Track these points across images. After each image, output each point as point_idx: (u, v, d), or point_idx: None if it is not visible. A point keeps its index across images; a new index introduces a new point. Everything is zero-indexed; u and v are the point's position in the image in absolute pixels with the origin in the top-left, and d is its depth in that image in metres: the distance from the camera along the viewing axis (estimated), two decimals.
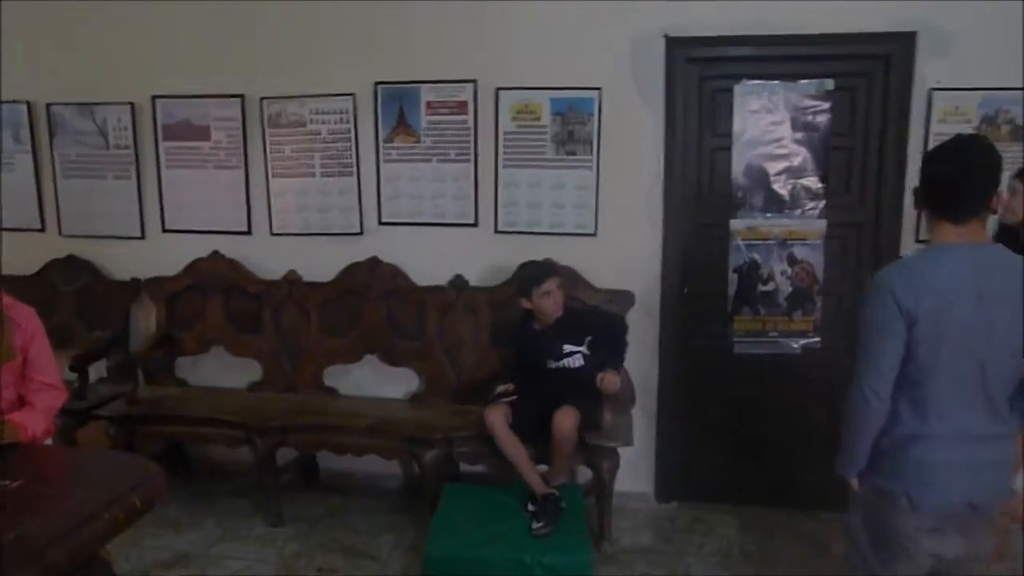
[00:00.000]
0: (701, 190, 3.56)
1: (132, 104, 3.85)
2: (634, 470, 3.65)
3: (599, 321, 3.36)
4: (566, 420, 3.01)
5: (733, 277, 3.54)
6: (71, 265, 3.99)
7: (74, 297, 3.98)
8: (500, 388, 3.29)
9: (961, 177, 1.83)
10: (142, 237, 3.96)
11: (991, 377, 1.83)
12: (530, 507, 3.05)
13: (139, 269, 3.93)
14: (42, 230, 4.05)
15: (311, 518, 3.60)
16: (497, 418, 3.12)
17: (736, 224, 3.50)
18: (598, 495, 3.31)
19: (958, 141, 1.92)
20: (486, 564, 2.78)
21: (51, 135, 3.94)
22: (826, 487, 2.70)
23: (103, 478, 2.04)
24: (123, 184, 3.92)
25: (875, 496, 1.96)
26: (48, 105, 3.92)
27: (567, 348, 3.25)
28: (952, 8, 3.19)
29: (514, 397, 3.21)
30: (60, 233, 4.03)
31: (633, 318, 3.54)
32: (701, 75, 3.46)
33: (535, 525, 2.94)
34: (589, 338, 3.26)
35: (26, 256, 3.94)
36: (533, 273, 3.23)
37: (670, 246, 3.55)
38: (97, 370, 3.78)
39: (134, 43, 3.79)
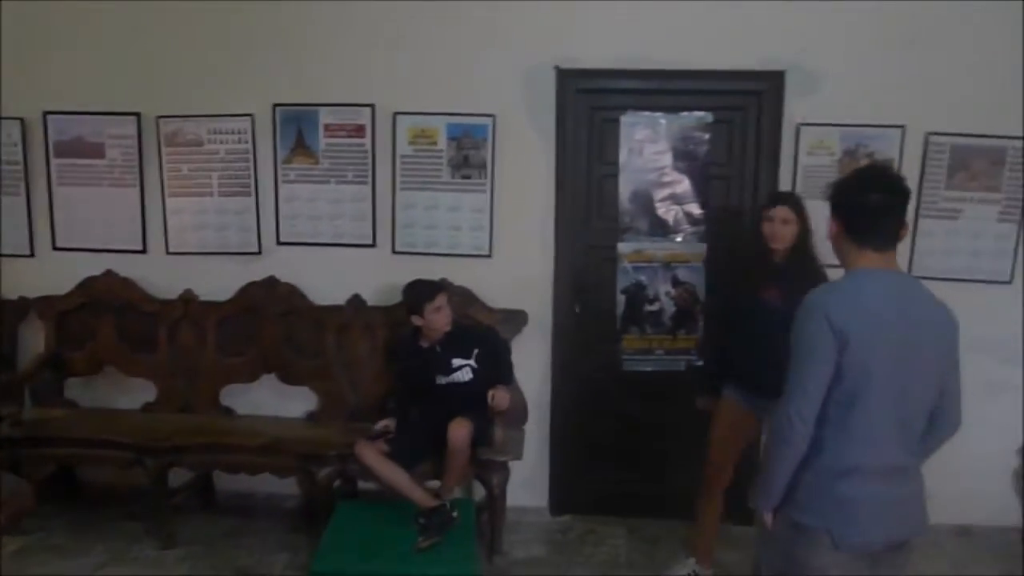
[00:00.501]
0: (591, 214, 3.73)
1: (22, 119, 3.79)
2: (529, 485, 3.78)
3: (484, 336, 3.46)
4: (459, 430, 3.09)
5: (621, 298, 3.72)
6: None
7: None
8: (379, 425, 3.34)
9: (887, 205, 1.87)
10: (31, 255, 3.88)
11: (911, 404, 1.84)
12: (420, 520, 3.12)
13: (28, 287, 3.85)
14: None
15: (205, 540, 3.56)
16: (367, 450, 3.17)
17: (623, 247, 3.68)
18: (490, 509, 3.40)
19: (878, 170, 2.00)
20: None
21: None
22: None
23: None
24: (12, 200, 3.84)
25: (792, 532, 1.90)
26: None
27: (456, 362, 3.33)
28: (817, 50, 3.46)
29: (391, 435, 3.28)
30: None
31: (526, 337, 3.68)
32: (590, 105, 3.64)
33: (419, 540, 3.01)
34: (477, 351, 3.35)
35: None
36: (424, 290, 3.31)
37: (562, 267, 3.70)
38: None
39: (26, 57, 3.74)
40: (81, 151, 3.78)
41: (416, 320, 3.28)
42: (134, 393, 3.85)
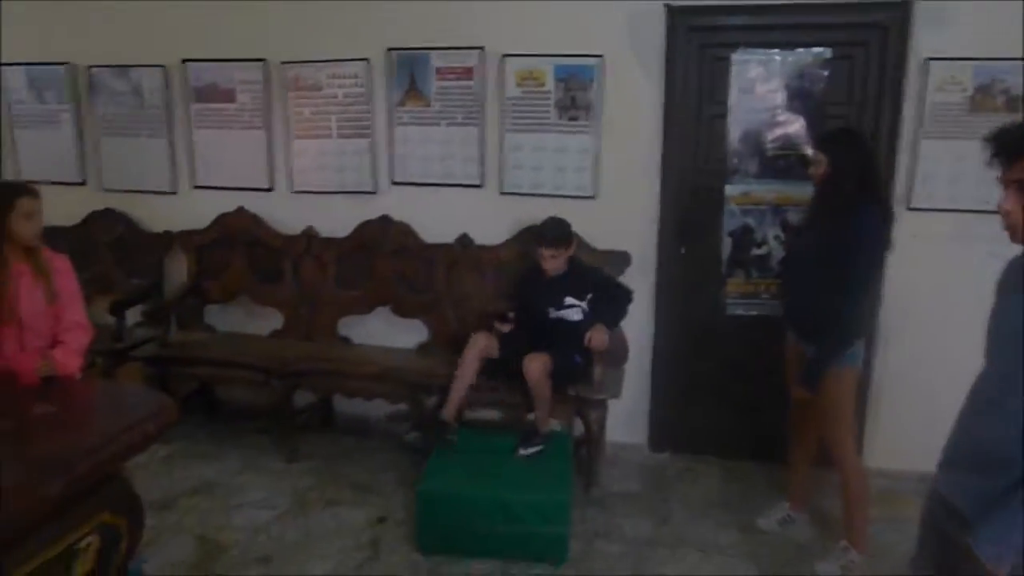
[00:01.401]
0: (698, 156, 3.68)
1: (164, 67, 4.10)
2: (630, 422, 3.87)
3: (605, 284, 3.52)
4: (533, 364, 3.25)
5: (727, 241, 3.67)
6: (109, 217, 4.31)
7: (112, 247, 4.31)
8: (506, 314, 3.52)
9: None
10: (174, 192, 4.25)
11: None
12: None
13: (171, 222, 4.23)
14: (83, 184, 4.37)
15: (325, 456, 3.89)
16: (476, 342, 3.38)
17: (731, 189, 3.61)
18: (588, 443, 3.53)
19: None
20: (472, 500, 3.02)
21: (91, 95, 4.23)
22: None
23: (123, 408, 2.32)
24: (156, 143, 4.20)
25: None
26: (88, 67, 4.19)
27: (568, 300, 3.44)
28: None
29: (510, 327, 3.45)
30: (100, 188, 4.34)
31: (629, 278, 3.71)
32: (700, 43, 3.56)
33: (520, 450, 3.27)
34: (590, 296, 3.45)
35: (68, 208, 4.26)
36: (538, 234, 3.43)
37: (667, 209, 3.69)
38: (133, 315, 4.09)
39: (166, 9, 4.02)
40: (215, 96, 4.06)
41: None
42: (264, 320, 4.19)
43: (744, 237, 3.66)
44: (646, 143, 3.64)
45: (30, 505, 1.72)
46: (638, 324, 3.78)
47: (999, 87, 3.30)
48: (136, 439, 2.11)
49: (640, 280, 3.75)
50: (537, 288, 3.49)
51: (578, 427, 3.63)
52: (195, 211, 4.18)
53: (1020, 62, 3.24)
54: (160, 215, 4.26)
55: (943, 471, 1.83)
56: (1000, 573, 1.58)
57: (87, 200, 4.34)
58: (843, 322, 2.74)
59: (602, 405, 3.47)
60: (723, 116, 3.56)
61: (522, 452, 3.29)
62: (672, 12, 3.49)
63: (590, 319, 3.40)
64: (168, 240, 4.25)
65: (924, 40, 3.30)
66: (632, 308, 3.70)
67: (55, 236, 4.24)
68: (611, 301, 3.48)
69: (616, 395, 3.50)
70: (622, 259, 3.71)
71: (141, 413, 2.21)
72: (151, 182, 4.23)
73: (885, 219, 2.75)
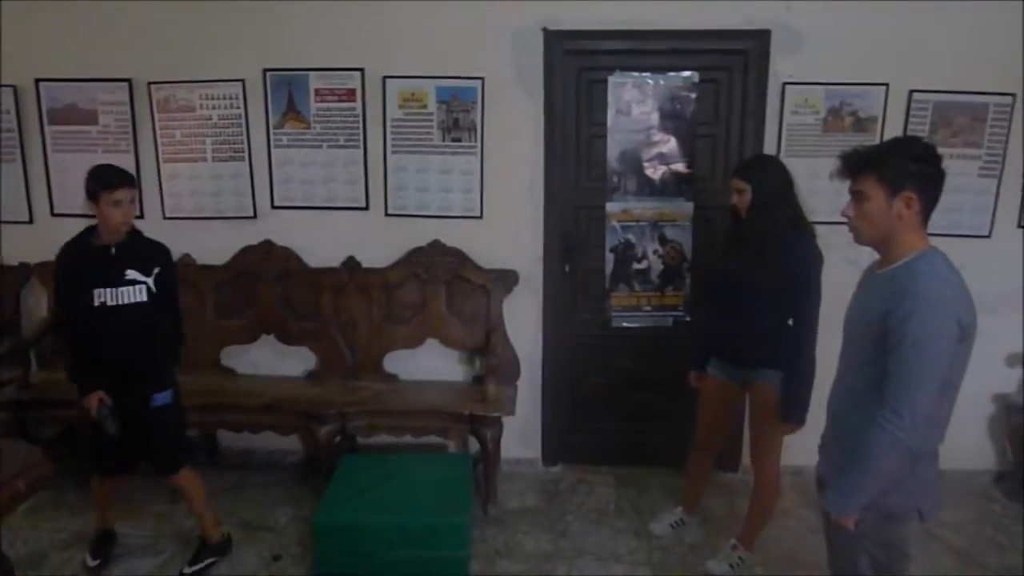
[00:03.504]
0: (579, 175, 3.79)
1: (15, 87, 3.81)
2: (523, 437, 3.92)
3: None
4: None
5: (610, 256, 3.81)
6: None
7: None
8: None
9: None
10: (30, 221, 3.94)
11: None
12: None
13: (28, 253, 3.92)
14: None
15: (210, 494, 3.64)
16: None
17: (612, 207, 3.76)
18: (484, 461, 3.55)
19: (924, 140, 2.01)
20: (370, 528, 2.96)
21: None
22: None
23: None
24: (9, 167, 3.89)
25: (883, 521, 1.94)
26: None
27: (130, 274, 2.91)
28: (802, 8, 3.49)
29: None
30: None
31: (517, 296, 3.78)
32: (578, 66, 3.67)
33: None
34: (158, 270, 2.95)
35: None
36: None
37: (551, 228, 3.78)
38: None
39: (17, 25, 3.74)
40: (75, 118, 3.81)
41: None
42: None
43: (625, 252, 3.82)
44: (529, 163, 3.71)
45: None
46: (528, 340, 3.84)
47: (847, 109, 3.60)
48: (4, 500, 1.95)
49: (528, 297, 3.81)
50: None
51: (473, 445, 3.65)
52: (54, 241, 3.82)
53: (867, 87, 3.54)
54: (15, 246, 3.94)
55: (820, 453, 2.18)
56: (846, 522, 1.92)
57: None
58: (809, 348, 2.76)
59: (497, 423, 3.51)
60: (602, 136, 3.71)
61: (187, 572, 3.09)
62: (550, 36, 3.59)
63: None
64: (25, 272, 3.94)
65: (781, 65, 3.55)
66: (521, 324, 3.80)
67: None
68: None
69: (510, 412, 3.54)
70: (510, 277, 3.77)
71: (9, 470, 2.04)
72: (5, 210, 3.90)
73: (814, 237, 2.81)
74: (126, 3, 3.68)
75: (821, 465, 2.14)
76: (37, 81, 3.79)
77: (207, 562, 3.14)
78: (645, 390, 3.93)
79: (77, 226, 3.79)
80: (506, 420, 3.56)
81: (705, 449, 3.29)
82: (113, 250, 2.87)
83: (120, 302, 2.85)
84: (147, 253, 2.94)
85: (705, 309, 3.20)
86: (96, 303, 2.83)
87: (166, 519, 3.50)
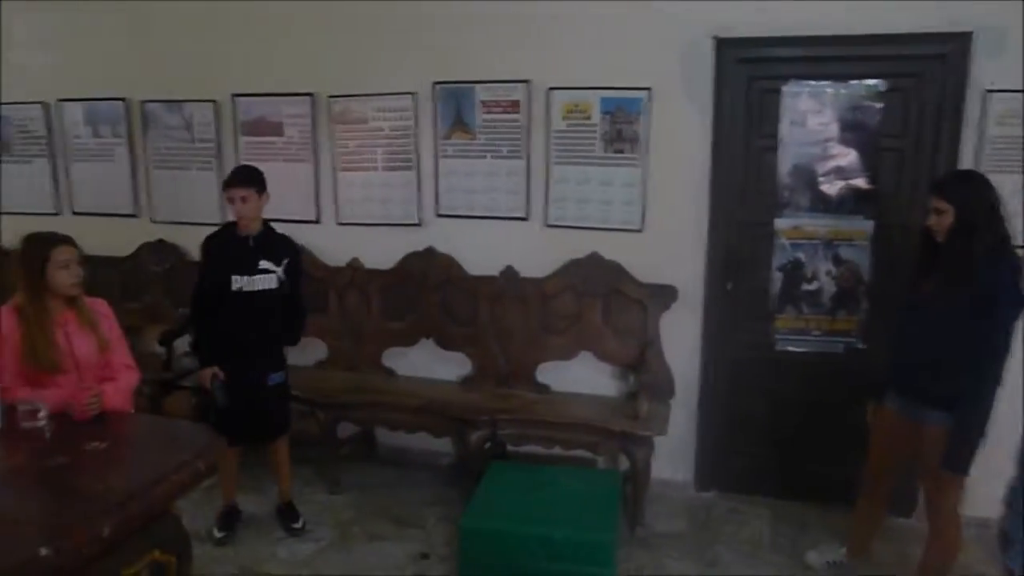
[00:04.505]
0: (747, 189, 3.61)
1: (215, 102, 4.18)
2: (676, 459, 3.79)
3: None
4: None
5: (777, 275, 3.60)
6: (160, 248, 4.39)
7: (162, 278, 4.39)
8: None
9: None
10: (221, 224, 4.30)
11: None
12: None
13: None
14: (135, 216, 4.47)
15: (367, 488, 3.88)
16: None
17: (781, 223, 3.55)
18: (634, 482, 3.46)
19: None
20: (515, 537, 2.97)
21: (144, 129, 4.33)
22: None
23: (174, 446, 2.33)
24: (206, 175, 4.27)
25: None
26: (142, 102, 4.30)
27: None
28: (1009, 7, 3.13)
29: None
30: (152, 219, 4.43)
31: (675, 312, 3.66)
32: (750, 75, 3.50)
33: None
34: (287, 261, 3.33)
35: (120, 240, 4.38)
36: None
37: (714, 243, 3.63)
38: (182, 345, 4.11)
39: (216, 45, 4.12)
40: (263, 130, 4.13)
41: None
42: (309, 350, 4.20)
43: (794, 272, 3.59)
44: (694, 176, 3.59)
45: (81, 545, 1.73)
46: (684, 358, 3.71)
47: None
48: (186, 478, 2.12)
49: (687, 314, 3.68)
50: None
51: (622, 462, 3.58)
52: None
53: None
54: None
55: (1005, 506, 1.94)
56: None
57: (138, 232, 4.43)
58: (987, 391, 2.49)
59: (648, 442, 3.41)
60: (773, 149, 3.51)
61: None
62: (721, 44, 3.45)
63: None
64: None
65: (984, 71, 3.20)
66: (678, 342, 3.68)
67: (107, 267, 4.37)
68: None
69: (662, 432, 3.43)
70: (669, 293, 3.65)
71: (192, 451, 2.22)
72: (201, 214, 4.29)
73: (1018, 271, 2.52)
74: (312, 24, 3.94)
75: (1007, 519, 1.90)
76: (234, 96, 4.14)
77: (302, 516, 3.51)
78: (810, 419, 3.67)
79: None
80: (658, 440, 3.46)
81: (876, 489, 3.02)
82: (251, 241, 3.23)
83: (254, 288, 3.22)
84: (278, 246, 3.33)
85: (892, 337, 2.91)
86: (234, 288, 3.20)
87: (326, 508, 3.70)
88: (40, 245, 2.49)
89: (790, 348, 3.63)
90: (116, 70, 4.33)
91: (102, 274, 4.45)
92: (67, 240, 2.55)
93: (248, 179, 3.21)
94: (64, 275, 2.48)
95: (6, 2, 4.35)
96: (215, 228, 4.15)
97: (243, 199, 3.17)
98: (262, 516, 3.62)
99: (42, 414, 2.27)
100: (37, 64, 4.46)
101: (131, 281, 4.43)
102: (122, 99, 4.34)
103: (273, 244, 3.30)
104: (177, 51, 4.18)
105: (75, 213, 4.60)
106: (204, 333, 3.33)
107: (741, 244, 3.64)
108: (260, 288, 3.24)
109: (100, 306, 2.66)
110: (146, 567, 1.99)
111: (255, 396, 3.31)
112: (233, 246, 3.25)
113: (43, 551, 1.61)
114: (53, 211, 4.61)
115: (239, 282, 3.21)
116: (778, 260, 3.59)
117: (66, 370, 2.49)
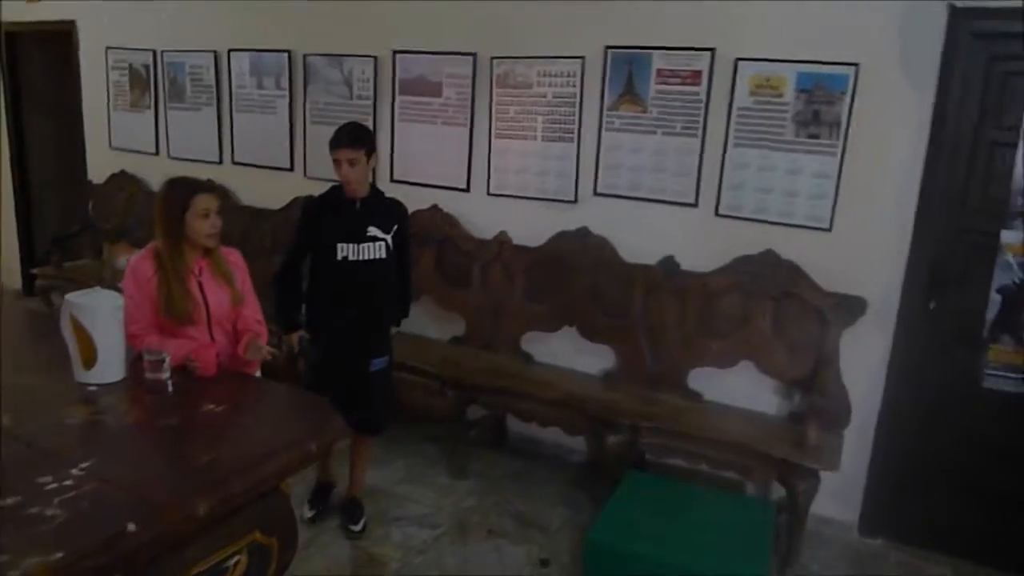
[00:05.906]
0: (970, 191, 3.02)
1: (375, 57, 4.04)
2: (839, 495, 3.29)
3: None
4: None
5: (996, 297, 2.99)
6: None
7: None
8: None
9: None
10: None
11: None
12: None
13: None
14: (291, 170, 4.44)
15: (491, 477, 3.66)
16: None
17: (1010, 236, 2.93)
18: (790, 516, 3.02)
19: None
20: (647, 561, 2.63)
21: (305, 83, 4.27)
22: None
23: (289, 419, 2.17)
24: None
25: None
26: (305, 55, 4.24)
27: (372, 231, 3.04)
28: None
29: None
30: (304, 174, 4.39)
31: (861, 328, 3.15)
32: (991, 54, 2.91)
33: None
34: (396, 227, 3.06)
35: (276, 192, 4.38)
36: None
37: (918, 252, 3.07)
38: None
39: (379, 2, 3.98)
40: (421, 89, 3.95)
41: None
42: (446, 324, 4.02)
43: (1018, 296, 2.97)
44: (902, 170, 3.04)
45: (172, 523, 1.57)
46: (866, 383, 3.19)
47: None
48: (295, 458, 1.94)
49: (874, 332, 3.16)
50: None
51: (776, 490, 3.14)
52: None
53: None
54: None
55: None
56: None
57: (292, 186, 4.40)
58: None
59: (813, 475, 2.95)
60: (1012, 144, 2.88)
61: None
62: (956, 14, 2.87)
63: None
64: None
65: None
66: (860, 363, 3.17)
67: (260, 219, 4.40)
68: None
69: (833, 467, 2.95)
70: (856, 305, 3.14)
71: (305, 429, 2.04)
72: None
73: None
74: None
75: None
76: (395, 52, 3.97)
77: (364, 519, 3.20)
78: (1015, 471, 3.06)
79: (409, 193, 4.00)
80: (823, 473, 2.99)
81: None
82: (358, 204, 2.93)
83: (361, 257, 2.93)
84: (388, 211, 3.03)
85: None
86: (339, 257, 2.91)
87: (447, 493, 3.51)
88: (181, 191, 2.38)
89: (1002, 386, 3.02)
90: (283, 22, 4.30)
91: (256, 226, 4.50)
92: (209, 188, 2.43)
93: (357, 139, 2.90)
94: (203, 224, 2.37)
95: None
96: None
97: (351, 162, 2.85)
98: (382, 489, 3.47)
99: (166, 365, 2.16)
100: (210, 13, 4.51)
101: (282, 234, 4.41)
102: (287, 51, 4.29)
103: (383, 209, 3.02)
104: (341, 5, 4.08)
105: (235, 163, 4.65)
106: (291, 298, 3.03)
107: (953, 257, 3.07)
108: (368, 257, 2.93)
109: (234, 256, 2.55)
110: (246, 548, 1.83)
111: (356, 383, 3.00)
112: (339, 211, 2.94)
113: (131, 527, 1.45)
114: (216, 160, 4.68)
115: (345, 250, 2.90)
116: (999, 280, 2.97)
117: (196, 321, 2.39)
